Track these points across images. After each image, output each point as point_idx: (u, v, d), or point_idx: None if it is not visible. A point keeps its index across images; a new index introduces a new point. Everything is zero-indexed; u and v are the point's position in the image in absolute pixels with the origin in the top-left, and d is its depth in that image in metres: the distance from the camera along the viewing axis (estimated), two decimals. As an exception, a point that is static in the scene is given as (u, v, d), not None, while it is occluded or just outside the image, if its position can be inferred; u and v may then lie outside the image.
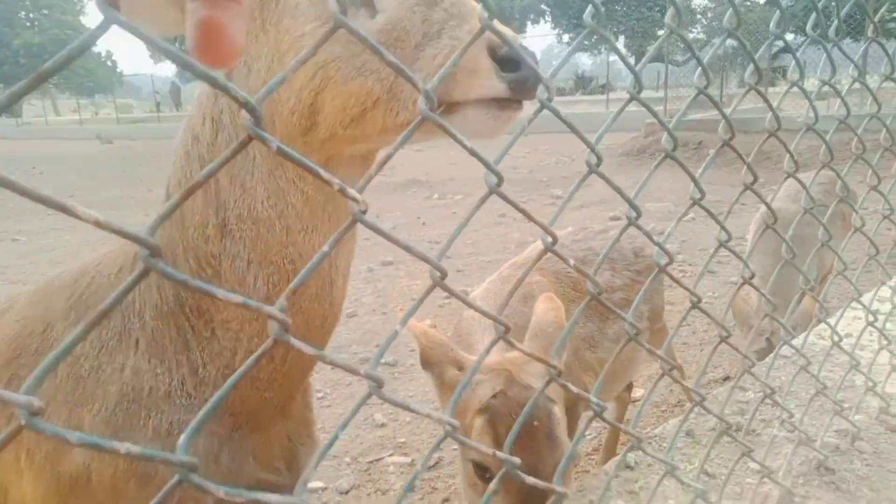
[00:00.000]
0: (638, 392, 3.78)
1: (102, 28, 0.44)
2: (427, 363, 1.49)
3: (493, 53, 0.87)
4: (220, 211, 1.04)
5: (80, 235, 8.82)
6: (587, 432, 3.50)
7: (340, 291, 1.14)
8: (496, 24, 0.76)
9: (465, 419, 1.36)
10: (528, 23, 40.24)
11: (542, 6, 37.97)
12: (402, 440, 3.57)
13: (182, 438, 0.51)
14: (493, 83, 0.87)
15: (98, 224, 0.43)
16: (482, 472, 1.33)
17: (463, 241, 7.41)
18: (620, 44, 37.03)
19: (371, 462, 3.37)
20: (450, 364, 1.50)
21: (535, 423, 1.31)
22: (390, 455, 3.43)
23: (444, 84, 0.87)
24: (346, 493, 3.09)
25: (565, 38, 37.84)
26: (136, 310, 1.12)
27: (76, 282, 1.21)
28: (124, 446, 0.45)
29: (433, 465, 3.36)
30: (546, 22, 39.45)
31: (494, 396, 1.33)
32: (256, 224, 1.04)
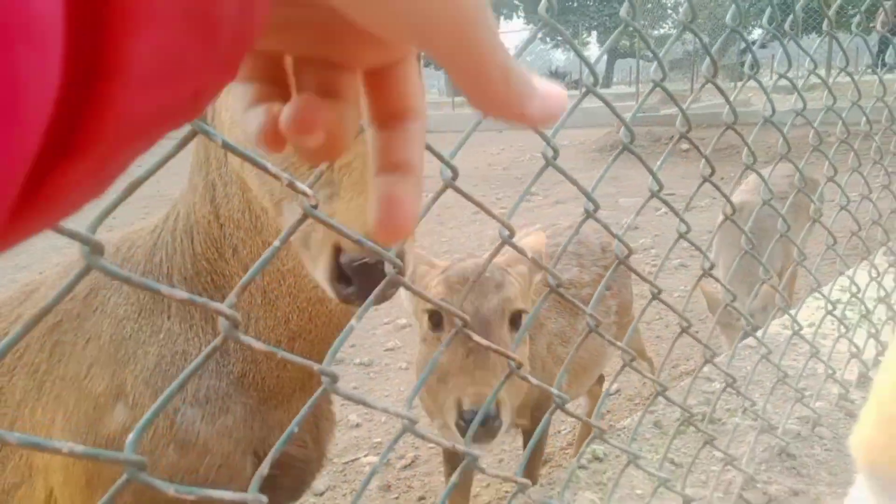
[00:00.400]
0: (612, 386, 3.82)
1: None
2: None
3: (337, 253, 0.78)
4: (214, 204, 1.06)
5: (46, 240, 8.55)
6: (562, 428, 3.54)
7: None
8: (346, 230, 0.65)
9: (424, 289, 1.50)
10: (501, 17, 40.33)
11: (515, 1, 38.11)
12: (378, 440, 3.56)
13: (130, 437, 0.51)
14: (325, 284, 0.80)
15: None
16: (435, 323, 1.44)
17: (438, 240, 7.41)
18: (593, 39, 37.34)
19: (346, 463, 3.36)
20: (421, 262, 1.63)
21: (488, 274, 1.42)
22: (366, 455, 3.42)
23: (303, 243, 0.86)
24: (322, 494, 3.07)
25: (538, 33, 37.92)
26: (164, 272, 1.14)
27: (118, 250, 1.26)
28: (66, 445, 0.44)
29: (409, 465, 3.36)
30: (519, 17, 39.60)
31: (451, 265, 1.48)
32: (240, 229, 1.05)
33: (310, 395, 1.27)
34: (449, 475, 2.22)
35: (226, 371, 1.12)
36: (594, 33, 36.49)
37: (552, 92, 0.37)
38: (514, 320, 1.45)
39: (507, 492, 2.91)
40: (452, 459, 2.19)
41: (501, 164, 13.18)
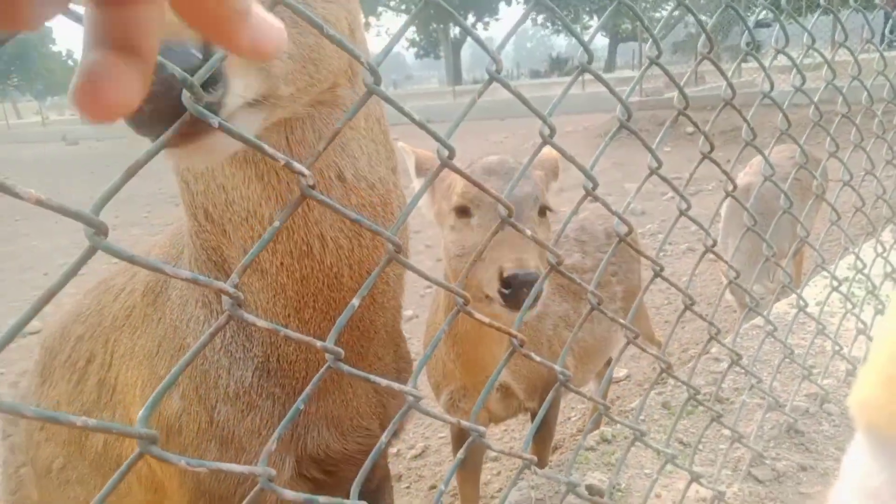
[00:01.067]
0: (622, 371, 3.85)
1: None
2: (422, 169, 1.66)
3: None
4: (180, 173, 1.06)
5: (50, 241, 8.66)
6: (572, 415, 3.55)
7: (333, 254, 1.05)
8: None
9: (448, 189, 1.55)
10: (502, 4, 40.13)
11: (515, -13, 37.90)
12: (391, 431, 3.57)
13: (142, 412, 0.52)
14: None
15: (40, 203, 0.44)
16: (461, 212, 1.49)
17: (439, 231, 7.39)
18: (594, 23, 37.12)
19: (361, 455, 3.37)
20: (423, 159, 1.67)
21: (512, 163, 1.50)
22: (379, 446, 3.43)
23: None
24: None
25: (539, 18, 37.89)
26: (184, 263, 1.15)
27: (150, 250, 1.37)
28: (80, 419, 0.45)
29: (419, 454, 3.38)
30: (519, 3, 39.37)
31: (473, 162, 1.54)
32: (209, 191, 1.03)
33: (352, 387, 1.19)
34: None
35: (251, 356, 1.11)
36: (595, 17, 36.25)
37: (267, 22, 0.34)
38: (541, 212, 1.51)
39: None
40: (460, 443, 2.21)
41: (504, 152, 13.11)
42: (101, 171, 15.92)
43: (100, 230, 0.46)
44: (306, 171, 0.56)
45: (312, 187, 0.58)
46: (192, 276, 0.50)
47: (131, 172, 0.49)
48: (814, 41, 1.58)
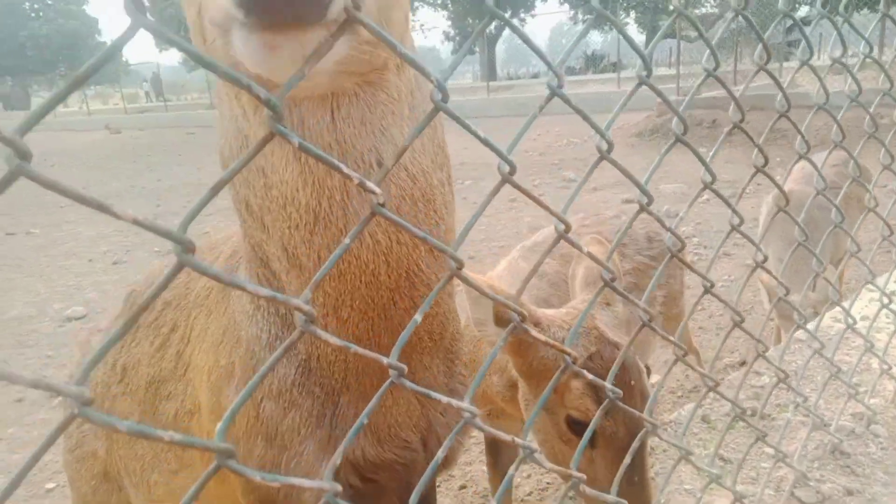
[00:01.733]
0: (654, 378, 3.81)
1: (131, 31, 0.46)
2: (502, 321, 1.43)
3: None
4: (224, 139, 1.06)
5: (94, 228, 8.92)
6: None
7: (370, 250, 0.99)
8: None
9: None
10: (538, 0, 39.88)
11: (552, -18, 37.59)
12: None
13: (219, 426, 0.53)
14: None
15: (136, 222, 0.45)
16: (580, 426, 1.32)
17: (475, 228, 7.38)
18: (631, 19, 36.59)
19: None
20: (527, 321, 1.47)
21: (632, 381, 1.32)
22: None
23: None
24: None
25: (579, 15, 37.55)
26: (242, 260, 1.18)
27: (228, 239, 1.40)
28: (168, 434, 0.47)
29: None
30: (554, -1, 39.09)
31: (590, 359, 1.33)
32: (249, 179, 1.02)
33: (392, 395, 1.15)
34: (491, 464, 2.24)
35: (294, 353, 1.10)
36: (632, 13, 35.73)
37: None
38: None
39: (548, 483, 2.91)
40: (494, 448, 2.21)
41: (538, 150, 13.11)
42: (142, 160, 16.35)
43: (187, 248, 0.48)
44: (377, 190, 0.57)
45: (382, 205, 0.58)
46: (272, 293, 0.51)
47: (216, 189, 0.51)
48: (872, 49, 1.53)
